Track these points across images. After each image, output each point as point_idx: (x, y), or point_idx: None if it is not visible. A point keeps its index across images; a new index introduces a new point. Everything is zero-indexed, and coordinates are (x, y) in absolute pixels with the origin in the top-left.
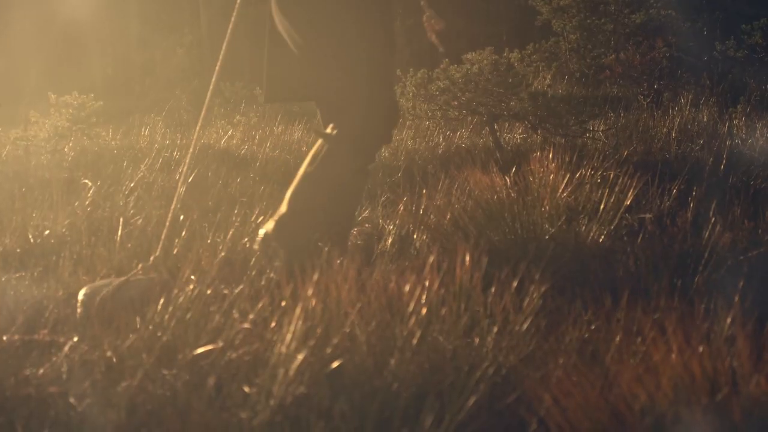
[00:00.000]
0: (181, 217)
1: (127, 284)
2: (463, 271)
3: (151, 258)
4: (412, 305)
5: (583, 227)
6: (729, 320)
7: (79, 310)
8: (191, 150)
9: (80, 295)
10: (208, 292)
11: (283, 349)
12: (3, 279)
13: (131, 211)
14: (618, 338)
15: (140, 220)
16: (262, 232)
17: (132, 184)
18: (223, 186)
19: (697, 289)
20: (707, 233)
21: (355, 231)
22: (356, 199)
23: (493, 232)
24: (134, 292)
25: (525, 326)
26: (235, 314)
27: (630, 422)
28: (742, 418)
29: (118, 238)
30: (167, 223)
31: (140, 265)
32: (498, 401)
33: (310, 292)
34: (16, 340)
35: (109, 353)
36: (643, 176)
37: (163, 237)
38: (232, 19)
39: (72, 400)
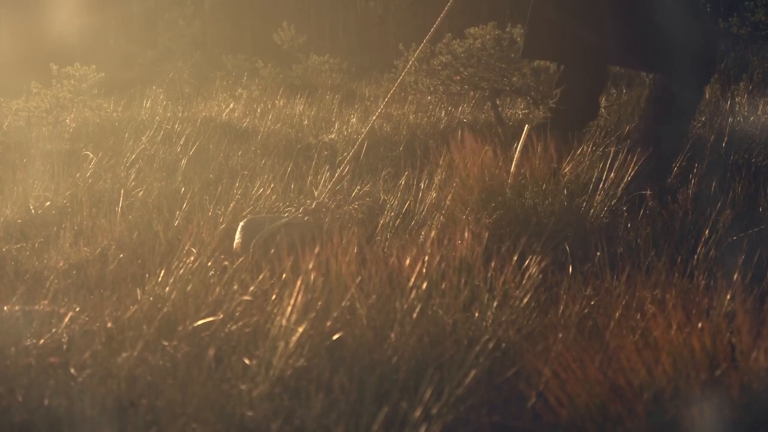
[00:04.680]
0: (182, 190)
1: (288, 226)
2: (463, 246)
3: (314, 203)
4: (412, 279)
5: (584, 202)
6: (729, 296)
7: (237, 241)
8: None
9: (239, 228)
10: (209, 264)
11: (284, 322)
12: (4, 249)
13: (132, 183)
14: (618, 313)
15: (141, 192)
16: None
17: (133, 156)
18: (225, 159)
19: (697, 265)
20: (708, 210)
21: (355, 205)
22: None
23: (495, 206)
24: (295, 234)
25: (525, 301)
26: (236, 286)
27: (629, 397)
28: (741, 393)
29: (119, 210)
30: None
31: (302, 208)
32: (497, 375)
33: (310, 265)
34: (17, 311)
35: (109, 324)
36: (644, 152)
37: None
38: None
39: (72, 370)
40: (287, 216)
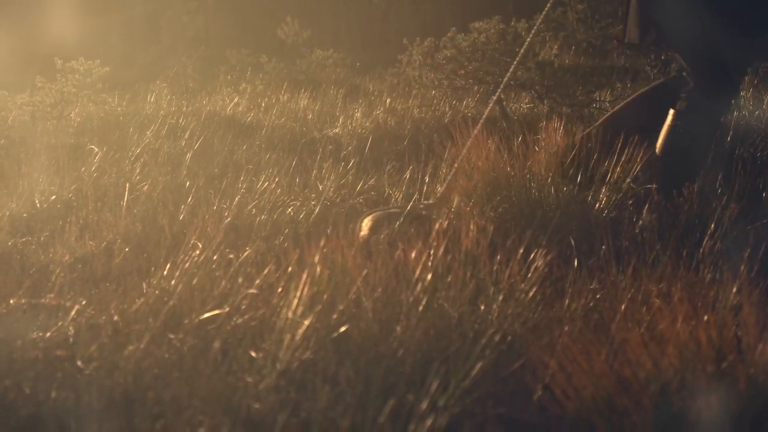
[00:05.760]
0: (187, 184)
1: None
2: (469, 239)
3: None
4: (418, 272)
5: (590, 196)
6: (735, 289)
7: (363, 234)
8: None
9: (364, 222)
10: (214, 257)
11: (290, 315)
12: (10, 243)
13: (137, 177)
14: (623, 306)
15: (146, 186)
16: None
17: (138, 150)
18: (229, 153)
19: (702, 258)
20: (713, 203)
21: (361, 198)
22: None
23: (500, 200)
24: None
25: (531, 294)
26: (241, 280)
27: (635, 389)
28: (747, 385)
29: (124, 204)
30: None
31: (422, 202)
32: (503, 368)
33: (316, 258)
34: (24, 304)
35: (115, 317)
36: (650, 146)
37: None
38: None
39: (79, 363)
40: (400, 208)
